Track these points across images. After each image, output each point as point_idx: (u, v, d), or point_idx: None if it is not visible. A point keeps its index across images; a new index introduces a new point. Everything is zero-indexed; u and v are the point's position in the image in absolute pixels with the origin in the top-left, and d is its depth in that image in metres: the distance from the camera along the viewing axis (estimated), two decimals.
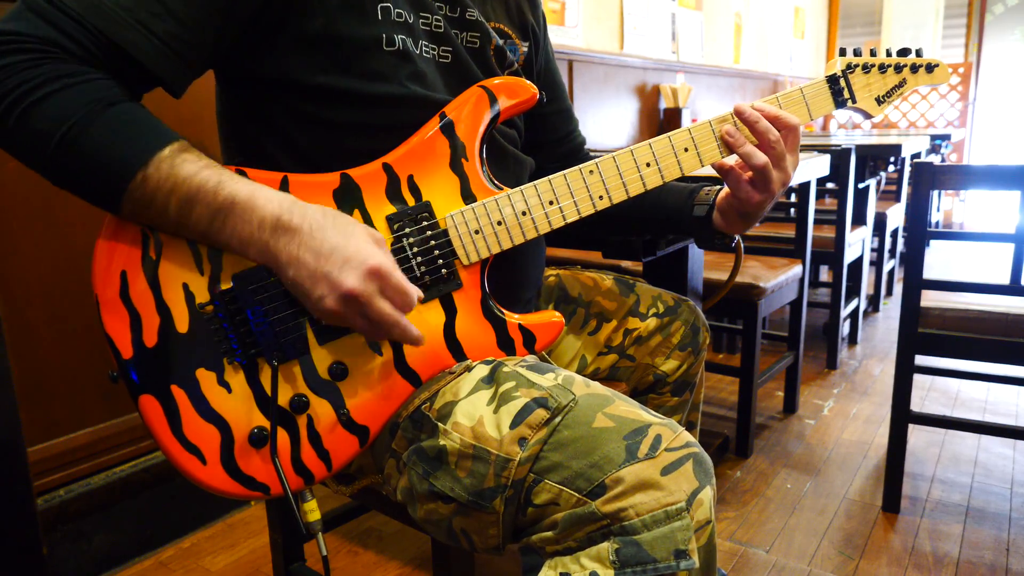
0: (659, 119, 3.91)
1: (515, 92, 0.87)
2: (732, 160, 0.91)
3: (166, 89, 0.77)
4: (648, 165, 0.89)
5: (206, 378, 0.76)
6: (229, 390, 0.77)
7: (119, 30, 0.70)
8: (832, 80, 0.94)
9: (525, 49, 1.04)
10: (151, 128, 0.71)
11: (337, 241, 0.71)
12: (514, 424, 0.74)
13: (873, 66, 0.94)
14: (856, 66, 0.94)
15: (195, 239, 0.74)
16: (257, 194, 0.72)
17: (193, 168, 0.70)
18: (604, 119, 3.46)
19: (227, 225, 0.71)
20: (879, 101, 0.96)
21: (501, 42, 0.97)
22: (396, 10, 0.83)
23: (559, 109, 1.15)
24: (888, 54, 0.96)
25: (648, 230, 1.16)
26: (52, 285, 1.51)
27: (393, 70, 0.83)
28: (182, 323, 0.76)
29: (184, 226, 0.72)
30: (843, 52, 0.95)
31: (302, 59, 0.80)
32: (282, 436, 0.79)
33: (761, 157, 0.88)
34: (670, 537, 0.67)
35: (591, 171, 0.87)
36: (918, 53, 0.96)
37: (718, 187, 1.05)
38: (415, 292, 0.75)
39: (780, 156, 0.89)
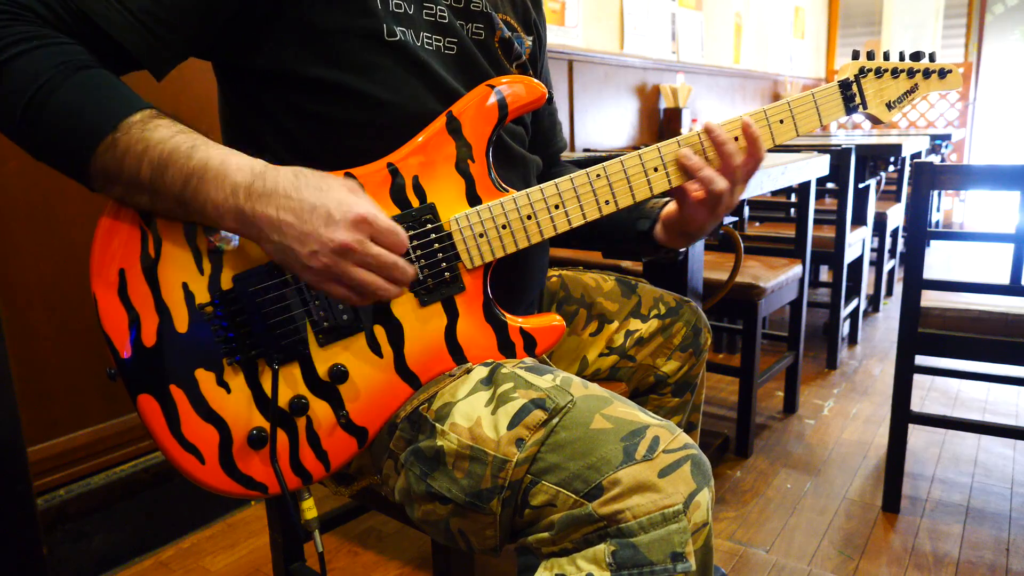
0: (659, 119, 3.91)
1: (523, 91, 0.85)
2: None
3: (146, 68, 0.76)
4: (656, 170, 0.88)
5: (205, 378, 0.76)
6: (228, 391, 0.77)
7: (90, 3, 0.70)
8: (844, 85, 0.92)
9: (530, 43, 1.03)
10: (121, 94, 0.71)
11: (315, 199, 0.70)
12: (512, 425, 0.73)
13: (886, 71, 0.93)
14: (869, 71, 0.93)
15: (171, 208, 0.73)
16: (229, 160, 0.71)
17: (167, 132, 0.70)
18: (604, 119, 3.46)
19: (200, 191, 0.70)
20: (890, 106, 0.95)
21: (508, 34, 0.96)
22: (395, 1, 0.82)
23: (550, 112, 1.14)
24: (901, 57, 0.95)
25: (600, 240, 1.15)
26: (52, 285, 1.51)
27: (393, 63, 0.82)
28: (181, 323, 0.76)
29: (158, 192, 0.71)
30: (856, 55, 0.94)
31: (299, 51, 0.79)
32: (281, 437, 0.79)
33: (721, 182, 0.87)
34: (667, 540, 0.67)
35: (598, 175, 0.86)
36: (931, 58, 0.95)
37: (665, 200, 1.03)
38: (404, 234, 0.74)
39: (737, 182, 0.89)
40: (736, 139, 0.89)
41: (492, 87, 0.85)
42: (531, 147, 1.08)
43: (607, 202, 0.87)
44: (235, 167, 0.71)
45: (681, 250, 1.05)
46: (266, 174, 0.71)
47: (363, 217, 0.71)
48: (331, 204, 0.70)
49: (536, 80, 0.87)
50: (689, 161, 0.87)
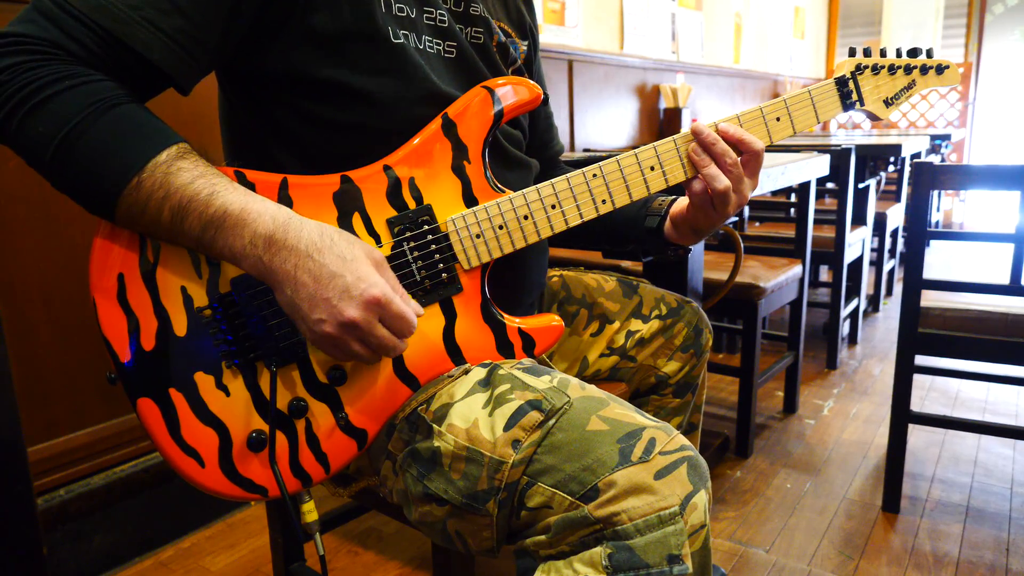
0: (659, 119, 3.91)
1: (518, 92, 0.86)
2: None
3: (175, 87, 0.76)
4: (652, 169, 0.88)
5: (204, 382, 0.76)
6: (227, 394, 0.77)
7: (127, 29, 0.70)
8: (841, 82, 0.92)
9: (525, 47, 1.04)
10: (149, 132, 0.70)
11: (336, 267, 0.70)
12: (508, 426, 0.74)
13: (883, 67, 0.93)
14: (865, 67, 0.93)
15: (190, 247, 0.74)
16: (249, 207, 0.70)
17: (188, 177, 0.70)
18: (604, 119, 3.45)
19: (218, 238, 0.70)
20: (887, 103, 0.94)
21: (504, 39, 0.97)
22: (397, 4, 0.83)
23: (546, 114, 1.15)
24: (898, 54, 0.95)
25: (605, 240, 1.15)
26: (52, 285, 1.51)
27: (397, 65, 0.82)
28: (180, 326, 0.76)
29: (178, 235, 0.71)
30: (852, 52, 0.93)
31: (306, 54, 0.79)
32: (280, 440, 0.79)
33: (723, 181, 0.87)
34: (663, 542, 0.67)
35: (595, 175, 0.87)
36: (928, 54, 0.95)
37: (672, 198, 1.04)
38: (414, 318, 0.74)
39: (738, 179, 0.89)
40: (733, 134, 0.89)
41: (487, 88, 0.85)
42: (528, 151, 1.08)
43: (604, 201, 0.87)
44: (255, 214, 0.70)
45: (691, 247, 1.05)
46: (289, 226, 0.70)
47: (377, 300, 0.70)
48: (350, 278, 0.70)
49: (531, 81, 0.88)
50: (696, 157, 0.88)
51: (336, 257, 0.70)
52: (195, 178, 0.70)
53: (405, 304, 0.73)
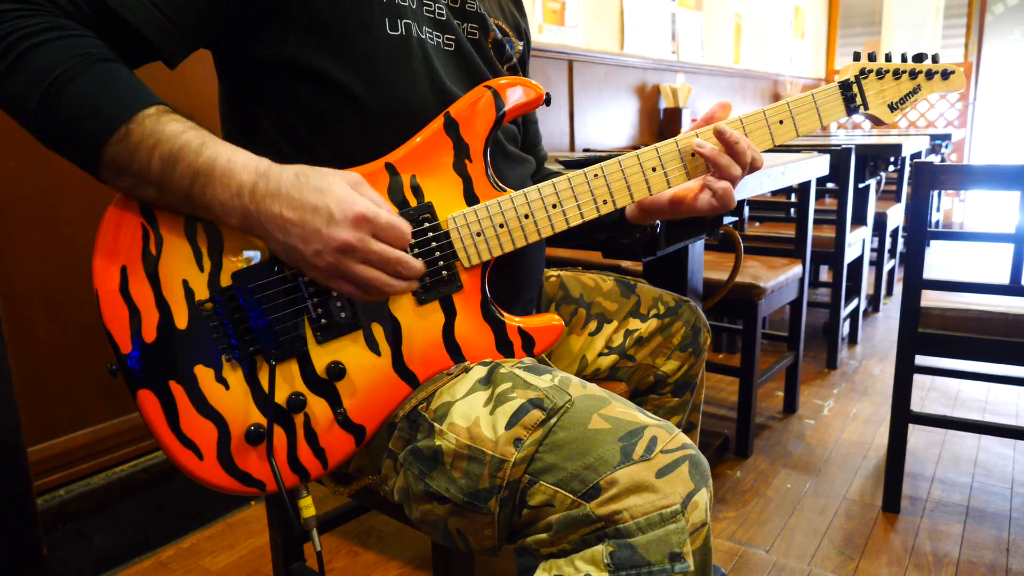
0: (659, 119, 3.91)
1: (521, 92, 0.86)
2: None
3: (161, 59, 0.76)
4: (654, 170, 0.88)
5: (204, 374, 0.76)
6: (227, 387, 0.77)
7: None
8: (844, 86, 0.92)
9: (520, 47, 1.04)
10: (136, 87, 0.71)
11: (316, 200, 0.71)
12: (510, 425, 0.74)
13: (887, 72, 0.93)
14: (870, 72, 0.93)
15: (178, 203, 0.73)
16: (235, 159, 0.71)
17: (179, 127, 0.70)
18: (604, 119, 3.46)
19: (207, 189, 0.71)
20: (892, 108, 0.95)
21: (500, 36, 0.97)
22: None
23: (532, 119, 1.15)
24: (903, 59, 0.94)
25: (577, 235, 1.16)
26: (52, 285, 1.51)
27: (396, 55, 0.82)
28: (181, 319, 0.76)
29: (166, 187, 0.71)
30: (857, 57, 0.93)
31: (303, 41, 0.79)
32: (279, 434, 0.79)
33: (737, 168, 0.89)
34: (664, 540, 0.67)
35: (596, 175, 0.87)
36: (934, 59, 0.95)
37: None
38: (406, 226, 0.74)
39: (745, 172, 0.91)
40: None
41: (489, 88, 0.85)
42: None
43: (605, 201, 0.87)
44: (241, 166, 0.71)
45: (659, 224, 1.11)
46: (269, 173, 0.71)
47: (363, 215, 0.71)
48: (332, 204, 0.71)
49: (534, 82, 0.88)
50: (704, 149, 0.88)
51: (313, 191, 0.71)
52: (186, 129, 0.71)
53: (393, 215, 0.74)
